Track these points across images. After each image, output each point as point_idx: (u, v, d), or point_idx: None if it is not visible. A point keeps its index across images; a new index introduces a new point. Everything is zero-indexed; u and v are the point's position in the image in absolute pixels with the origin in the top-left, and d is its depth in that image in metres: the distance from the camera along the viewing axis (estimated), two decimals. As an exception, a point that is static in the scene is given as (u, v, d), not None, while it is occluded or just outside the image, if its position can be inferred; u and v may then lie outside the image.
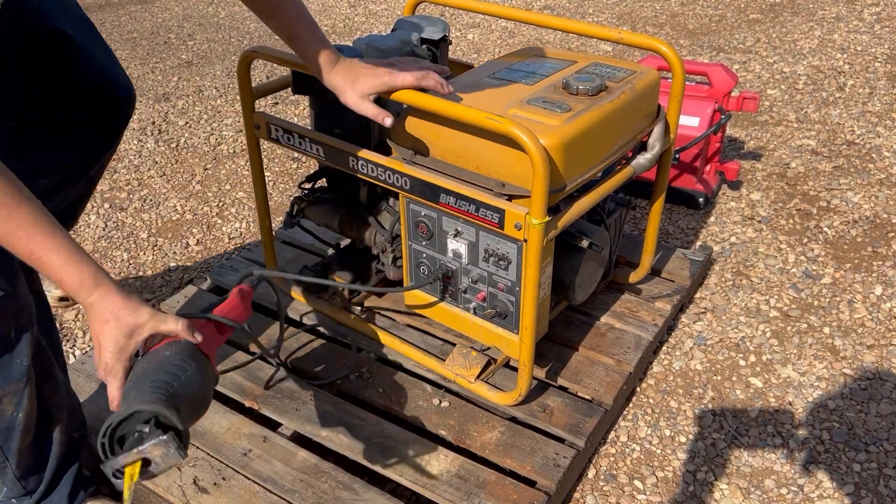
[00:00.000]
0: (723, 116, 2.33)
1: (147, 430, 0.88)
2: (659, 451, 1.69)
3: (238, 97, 3.51)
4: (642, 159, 1.63)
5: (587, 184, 1.49)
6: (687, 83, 2.51)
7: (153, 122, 3.26)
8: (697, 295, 2.15)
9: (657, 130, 1.63)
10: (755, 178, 2.72)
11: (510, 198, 1.39)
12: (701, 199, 2.53)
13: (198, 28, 4.50)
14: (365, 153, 1.54)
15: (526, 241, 1.35)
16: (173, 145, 3.08)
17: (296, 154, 2.95)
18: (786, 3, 4.59)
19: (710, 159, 2.57)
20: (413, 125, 1.49)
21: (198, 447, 1.53)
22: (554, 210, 1.41)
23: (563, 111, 1.39)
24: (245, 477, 1.47)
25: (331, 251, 2.09)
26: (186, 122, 3.27)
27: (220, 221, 2.58)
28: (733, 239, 2.39)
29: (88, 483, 1.47)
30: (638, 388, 1.85)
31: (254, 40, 4.27)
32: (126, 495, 0.88)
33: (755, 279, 2.21)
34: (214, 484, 1.45)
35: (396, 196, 1.73)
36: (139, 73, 3.80)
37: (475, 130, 1.39)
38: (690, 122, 2.37)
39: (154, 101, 3.47)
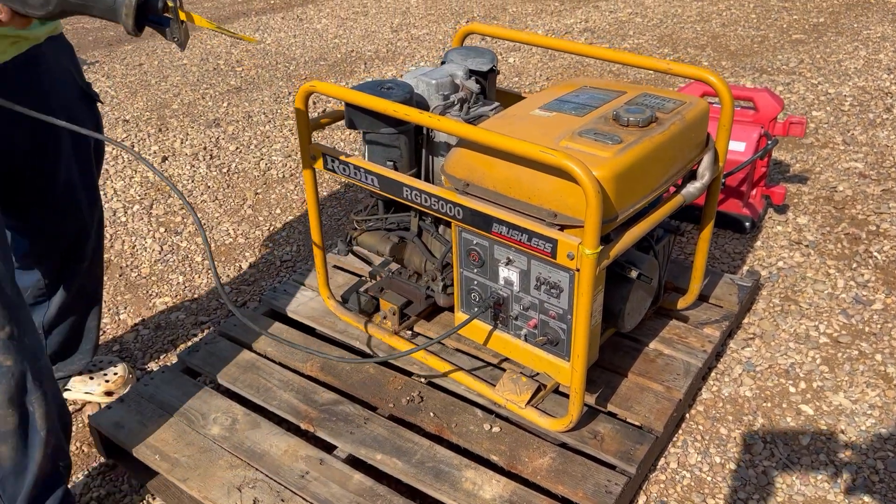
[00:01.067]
0: (769, 142, 2.33)
1: None
2: (709, 479, 1.69)
3: (286, 122, 3.60)
4: (692, 188, 1.65)
5: (638, 212, 1.51)
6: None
7: (205, 148, 3.36)
8: (745, 320, 2.15)
9: (707, 159, 1.65)
10: (802, 201, 2.71)
11: (562, 227, 1.42)
12: (747, 224, 2.52)
13: (245, 54, 4.62)
14: (419, 183, 1.59)
15: (578, 270, 1.38)
16: (224, 170, 3.17)
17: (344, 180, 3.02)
18: (829, 23, 4.56)
19: (757, 184, 2.56)
20: (465, 157, 1.53)
21: (257, 469, 1.58)
22: (605, 239, 1.43)
23: (614, 143, 1.42)
24: (303, 499, 1.51)
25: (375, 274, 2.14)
26: (237, 148, 3.36)
27: (271, 245, 2.66)
28: (780, 264, 2.38)
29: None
30: (687, 415, 1.85)
31: (299, 66, 4.38)
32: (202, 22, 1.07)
33: (804, 304, 2.20)
34: (274, 505, 1.50)
35: (447, 224, 1.78)
36: (191, 99, 3.93)
37: (527, 162, 1.42)
38: (736, 147, 2.38)
39: (205, 127, 3.58)
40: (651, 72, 3.95)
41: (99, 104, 1.72)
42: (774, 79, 3.78)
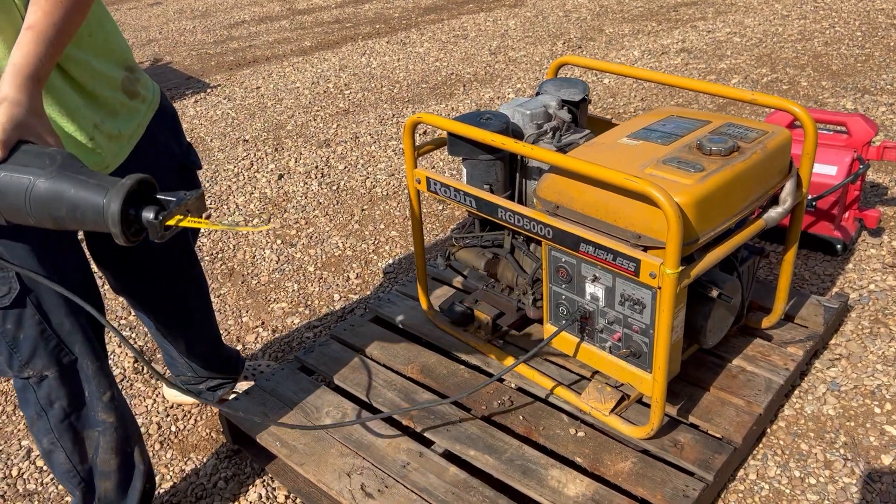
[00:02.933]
0: (861, 166, 2.36)
1: (182, 193, 1.02)
2: (788, 491, 1.76)
3: (389, 143, 3.84)
4: (774, 213, 1.73)
5: (720, 235, 1.62)
6: (826, 132, 2.56)
7: (317, 167, 3.64)
8: (832, 341, 2.18)
9: (789, 186, 1.74)
10: (899, 224, 2.70)
11: (646, 248, 1.54)
12: (839, 246, 2.55)
13: (353, 78, 4.92)
14: (513, 205, 1.75)
15: (660, 288, 1.50)
16: (334, 188, 3.43)
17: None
18: (940, 40, 4.43)
19: (849, 206, 2.58)
20: (556, 182, 1.68)
21: (364, 458, 1.77)
22: (688, 259, 1.55)
23: (696, 171, 1.54)
24: (404, 486, 1.68)
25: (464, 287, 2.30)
26: (345, 167, 3.62)
27: (375, 258, 2.87)
28: (872, 287, 2.40)
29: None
30: (768, 430, 1.92)
31: (402, 89, 4.63)
32: (204, 224, 1.03)
33: (894, 328, 2.21)
34: (379, 490, 1.68)
35: (537, 243, 1.93)
36: (303, 121, 4.24)
37: (614, 188, 1.56)
38: (828, 171, 2.41)
39: (317, 147, 3.86)
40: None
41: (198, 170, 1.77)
42: (877, 99, 3.73)
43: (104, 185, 0.99)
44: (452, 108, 4.20)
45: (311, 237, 3.05)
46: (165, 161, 1.62)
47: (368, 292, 2.68)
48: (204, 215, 1.05)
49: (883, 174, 3.05)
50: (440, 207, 3.18)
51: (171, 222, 1.01)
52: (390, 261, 2.85)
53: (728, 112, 3.75)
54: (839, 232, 2.56)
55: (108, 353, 1.85)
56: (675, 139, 1.70)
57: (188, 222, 1.03)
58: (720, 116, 1.81)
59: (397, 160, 3.65)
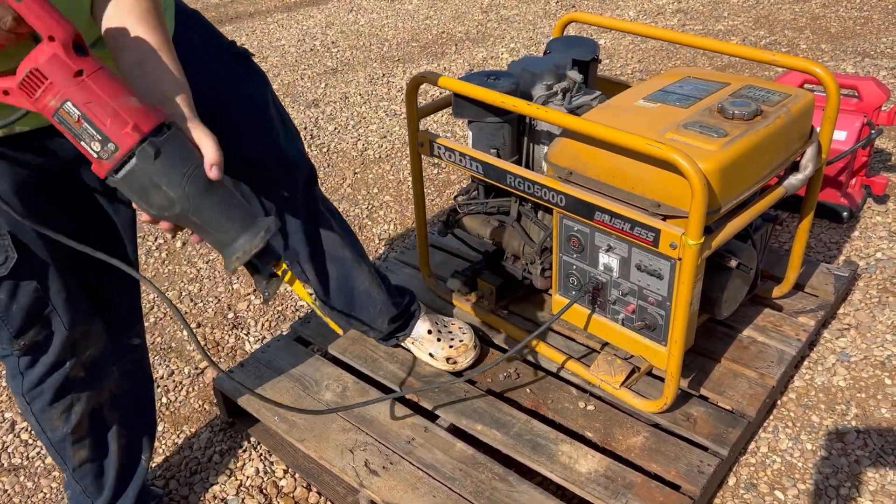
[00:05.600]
0: (872, 131, 2.30)
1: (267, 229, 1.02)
2: (800, 464, 1.72)
3: (380, 104, 3.72)
4: (794, 180, 1.67)
5: (740, 203, 1.55)
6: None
7: (305, 128, 3.52)
8: (841, 311, 2.14)
9: (810, 151, 1.67)
10: (904, 191, 2.66)
11: (665, 217, 1.47)
12: (845, 213, 2.50)
13: (340, 35, 4.77)
14: (523, 171, 1.66)
15: (680, 259, 1.44)
16: (325, 150, 3.32)
17: (435, 161, 3.11)
18: (940, 2, 4.36)
19: (856, 173, 2.53)
20: (569, 146, 1.59)
21: (367, 433, 1.71)
22: (706, 229, 1.48)
23: (719, 136, 1.46)
24: (410, 463, 1.63)
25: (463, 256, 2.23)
26: (335, 128, 3.51)
27: (370, 223, 2.78)
28: (879, 255, 2.35)
29: (151, 496, 1.70)
30: (779, 401, 1.88)
31: (392, 47, 4.49)
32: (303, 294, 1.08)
33: (903, 297, 2.18)
34: (383, 467, 1.62)
35: (546, 210, 1.85)
36: (290, 80, 4.09)
37: (632, 153, 1.48)
38: (837, 136, 2.35)
39: (305, 107, 3.73)
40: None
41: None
42: (878, 63, 3.66)
43: (240, 217, 1.01)
44: (444, 68, 4.08)
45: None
46: (211, 54, 1.42)
47: (363, 259, 2.59)
48: None
49: (888, 140, 2.99)
50: (435, 171, 3.09)
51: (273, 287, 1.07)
52: (385, 226, 2.76)
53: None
54: (845, 199, 2.51)
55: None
56: (695, 102, 1.62)
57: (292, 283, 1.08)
58: (738, 78, 1.73)
59: (389, 122, 3.53)
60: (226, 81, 1.42)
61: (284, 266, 1.05)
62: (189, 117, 1.03)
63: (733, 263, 1.61)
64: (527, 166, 1.87)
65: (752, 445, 1.78)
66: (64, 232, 1.12)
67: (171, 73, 1.05)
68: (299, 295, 1.07)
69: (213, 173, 0.99)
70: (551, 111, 1.54)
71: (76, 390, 1.44)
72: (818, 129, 1.71)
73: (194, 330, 2.32)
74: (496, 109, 1.73)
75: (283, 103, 3.53)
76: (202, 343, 2.20)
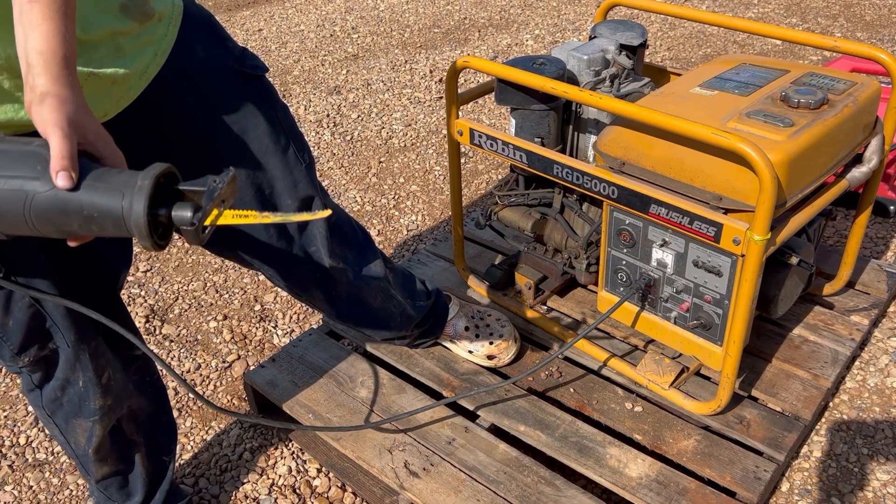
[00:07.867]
0: (926, 122, 2.20)
1: (211, 179, 0.81)
2: (857, 470, 1.65)
3: (403, 91, 3.64)
4: (858, 172, 1.58)
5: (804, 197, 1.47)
6: (884, 84, 2.39)
7: (328, 115, 3.44)
8: (891, 309, 2.06)
9: (875, 143, 1.59)
10: (951, 184, 2.56)
11: (726, 211, 1.40)
12: (892, 208, 2.40)
13: (360, 21, 4.68)
14: (571, 161, 1.59)
15: (743, 255, 1.36)
16: (348, 138, 3.25)
17: (463, 150, 3.03)
18: (978, -11, 4.24)
19: (904, 165, 2.44)
20: (622, 135, 1.52)
21: (405, 433, 1.64)
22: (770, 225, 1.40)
23: (786, 126, 1.38)
24: (451, 464, 1.56)
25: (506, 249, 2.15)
26: (358, 116, 3.43)
27: (396, 213, 2.71)
28: (929, 251, 2.27)
29: (181, 496, 1.63)
30: (830, 403, 1.81)
31: (413, 33, 4.40)
32: (253, 219, 0.81)
33: (956, 295, 2.09)
34: (424, 469, 1.56)
35: (593, 202, 1.78)
36: (311, 66, 4.02)
37: (690, 142, 1.40)
38: (887, 127, 2.26)
39: (327, 94, 3.66)
40: (780, 43, 3.78)
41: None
42: (916, 51, 3.55)
43: (116, 188, 0.78)
44: (468, 55, 3.98)
45: (327, 190, 2.88)
46: (213, 71, 1.22)
47: (392, 250, 2.53)
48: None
49: (930, 131, 2.89)
50: (462, 160, 3.01)
51: (209, 221, 0.79)
52: (413, 217, 2.69)
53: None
54: (893, 192, 2.41)
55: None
56: (755, 90, 1.54)
57: (234, 218, 0.81)
58: (798, 65, 1.64)
59: (413, 109, 3.45)
60: (227, 104, 1.24)
61: (216, 212, 0.81)
62: (50, 91, 0.80)
63: (794, 260, 1.53)
64: (571, 155, 1.80)
65: (805, 449, 1.70)
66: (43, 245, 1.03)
67: (50, 23, 0.83)
68: (248, 221, 0.83)
69: (59, 182, 0.77)
70: (606, 98, 1.46)
71: (94, 406, 1.35)
72: (882, 120, 1.63)
73: (220, 322, 2.26)
74: (541, 96, 1.65)
75: (304, 90, 3.44)
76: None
